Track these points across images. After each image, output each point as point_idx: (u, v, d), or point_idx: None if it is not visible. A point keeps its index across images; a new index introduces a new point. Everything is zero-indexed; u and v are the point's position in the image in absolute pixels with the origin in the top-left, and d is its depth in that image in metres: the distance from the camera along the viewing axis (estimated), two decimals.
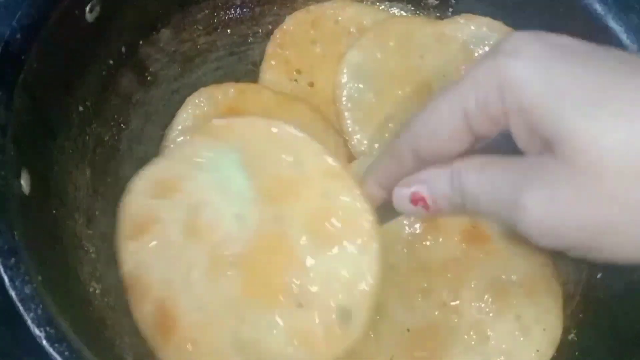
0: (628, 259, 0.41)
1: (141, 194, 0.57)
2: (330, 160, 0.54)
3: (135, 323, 0.56)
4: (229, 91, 0.67)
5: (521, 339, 0.58)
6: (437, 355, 0.57)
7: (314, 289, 0.51)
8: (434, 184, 0.49)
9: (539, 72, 0.42)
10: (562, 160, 0.40)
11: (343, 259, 0.52)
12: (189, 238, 0.54)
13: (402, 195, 0.51)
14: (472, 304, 0.58)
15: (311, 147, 0.55)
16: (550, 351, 0.59)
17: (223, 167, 0.55)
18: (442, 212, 0.50)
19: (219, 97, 0.66)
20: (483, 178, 0.46)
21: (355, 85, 0.68)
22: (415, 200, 0.50)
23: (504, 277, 0.59)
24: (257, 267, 0.52)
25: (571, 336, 0.61)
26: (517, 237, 0.59)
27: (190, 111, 0.66)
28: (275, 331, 0.51)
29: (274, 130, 0.55)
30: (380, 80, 0.69)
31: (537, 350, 0.58)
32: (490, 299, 0.58)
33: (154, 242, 0.55)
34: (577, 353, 0.59)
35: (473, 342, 0.57)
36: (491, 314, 0.58)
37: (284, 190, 0.54)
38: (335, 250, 0.52)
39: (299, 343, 0.51)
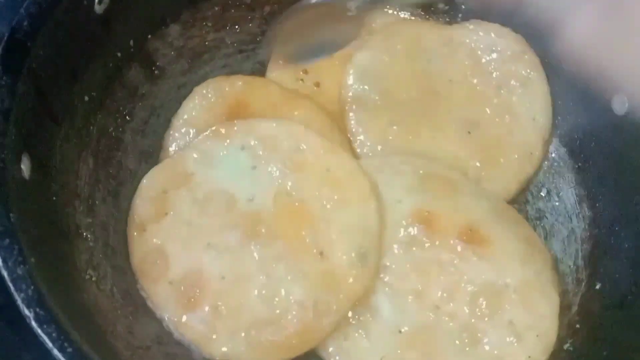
0: None
1: (153, 188, 0.61)
2: (327, 141, 0.62)
3: (132, 310, 0.57)
4: (237, 83, 0.67)
5: (514, 344, 0.57)
6: (429, 357, 0.56)
7: (332, 237, 0.58)
8: None
9: None
10: None
11: (352, 213, 0.60)
12: (204, 217, 0.59)
13: None
14: (465, 307, 0.58)
15: (310, 134, 0.62)
16: (543, 358, 0.58)
17: (233, 163, 0.61)
18: None
19: (227, 88, 0.67)
20: None
21: (361, 86, 0.68)
22: None
23: (499, 281, 0.59)
24: (279, 232, 0.58)
25: (567, 346, 0.60)
26: (515, 240, 0.59)
27: (197, 101, 0.66)
28: (302, 280, 0.57)
29: (274, 124, 0.62)
30: (387, 82, 0.69)
31: (529, 357, 0.57)
32: (484, 303, 0.58)
33: (169, 222, 0.59)
34: None
35: (465, 346, 0.57)
36: (485, 318, 0.57)
37: (293, 171, 0.61)
38: (344, 207, 0.60)
39: (325, 286, 0.57)
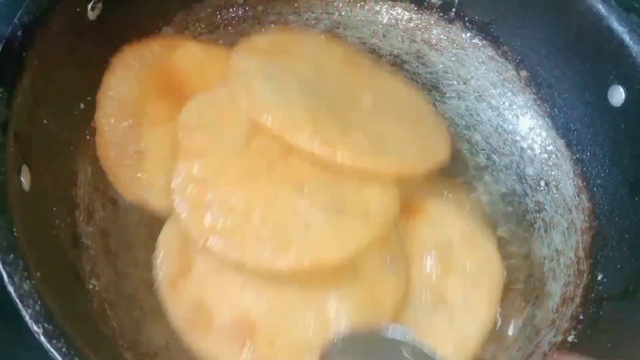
0: None
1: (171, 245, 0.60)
2: None
3: (138, 317, 0.57)
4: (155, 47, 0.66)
5: (473, 288, 0.61)
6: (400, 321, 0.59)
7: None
8: None
9: None
10: None
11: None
12: None
13: None
14: (420, 271, 0.61)
15: None
16: (499, 294, 0.62)
17: None
18: None
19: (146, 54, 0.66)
20: None
21: None
22: None
23: (444, 239, 0.63)
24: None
25: (571, 338, 0.60)
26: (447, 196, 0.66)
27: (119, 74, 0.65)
28: (345, 301, 0.57)
29: None
30: None
31: (490, 295, 0.62)
32: (438, 263, 0.62)
33: (198, 273, 0.59)
34: (576, 355, 0.59)
35: (435, 305, 0.60)
36: (443, 276, 0.61)
37: None
38: None
39: (364, 302, 0.58)
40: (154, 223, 0.61)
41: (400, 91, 0.70)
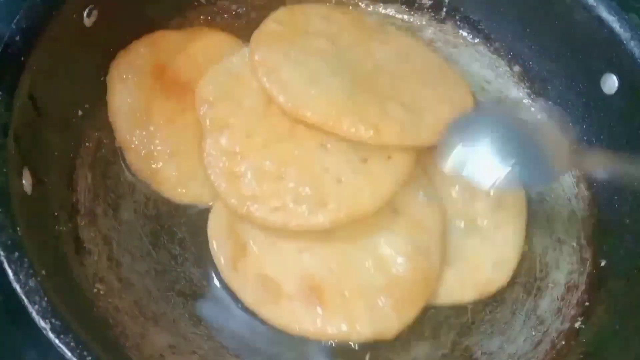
0: None
1: (221, 230, 0.61)
2: None
3: (143, 322, 0.56)
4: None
5: (499, 209, 0.65)
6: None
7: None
8: None
9: None
10: None
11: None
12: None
13: None
14: (448, 201, 0.65)
15: None
16: (524, 210, 0.66)
17: None
18: None
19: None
20: None
21: None
22: None
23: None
24: None
25: (578, 324, 0.61)
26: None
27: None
28: (395, 238, 0.61)
29: None
30: None
31: (515, 214, 0.65)
32: (461, 189, 0.65)
33: (255, 251, 0.61)
34: (584, 340, 0.59)
35: (465, 228, 0.64)
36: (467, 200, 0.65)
37: None
38: None
39: (415, 232, 0.61)
40: (156, 232, 0.62)
41: (415, 49, 0.71)
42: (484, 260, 0.63)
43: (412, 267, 0.59)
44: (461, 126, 0.62)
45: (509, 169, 0.57)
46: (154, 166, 0.62)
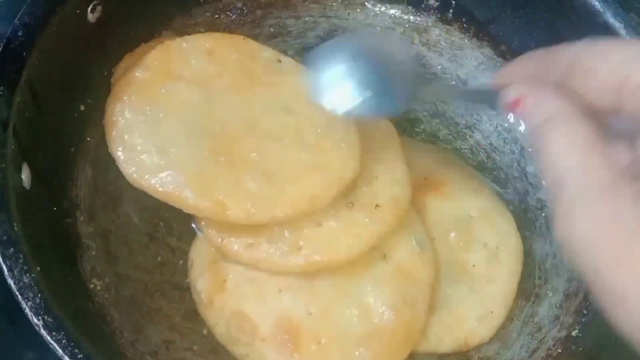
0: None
1: (202, 263, 0.60)
2: None
3: (138, 317, 0.57)
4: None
5: (494, 263, 0.63)
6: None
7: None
8: (541, 107, 0.42)
9: None
10: None
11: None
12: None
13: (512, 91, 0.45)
14: (445, 244, 0.63)
15: None
16: (519, 269, 0.64)
17: None
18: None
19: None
20: (570, 152, 0.39)
21: None
22: (513, 103, 0.45)
23: (463, 213, 0.65)
24: None
25: (575, 332, 0.60)
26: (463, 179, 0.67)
27: None
28: (381, 287, 0.58)
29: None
30: None
31: (509, 271, 0.64)
32: (459, 236, 0.64)
33: (233, 286, 0.59)
34: (580, 349, 0.59)
35: (457, 275, 0.62)
36: (464, 248, 0.64)
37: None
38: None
39: (403, 282, 0.59)
40: (154, 224, 0.62)
41: (303, 98, 0.59)
42: (468, 313, 0.61)
43: (396, 318, 0.57)
44: (324, 52, 0.54)
45: (363, 97, 0.52)
46: None
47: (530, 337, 0.61)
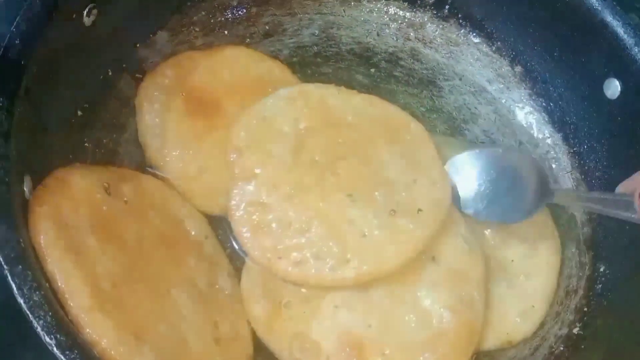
0: None
1: (257, 288, 0.60)
2: None
3: None
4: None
5: (532, 258, 0.64)
6: None
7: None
8: None
9: None
10: None
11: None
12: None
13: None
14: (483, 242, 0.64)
15: None
16: (558, 262, 0.65)
17: None
18: None
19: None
20: None
21: None
22: None
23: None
24: None
25: (576, 330, 0.61)
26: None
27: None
28: (435, 290, 0.58)
29: None
30: None
31: (548, 264, 0.64)
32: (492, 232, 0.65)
33: (290, 309, 0.59)
34: (582, 346, 0.60)
35: (495, 273, 0.62)
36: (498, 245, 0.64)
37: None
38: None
39: (457, 282, 0.59)
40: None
41: None
42: (510, 309, 0.62)
43: (456, 319, 0.57)
44: (457, 165, 0.64)
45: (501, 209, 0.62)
46: (184, 182, 0.63)
47: (532, 334, 0.62)
